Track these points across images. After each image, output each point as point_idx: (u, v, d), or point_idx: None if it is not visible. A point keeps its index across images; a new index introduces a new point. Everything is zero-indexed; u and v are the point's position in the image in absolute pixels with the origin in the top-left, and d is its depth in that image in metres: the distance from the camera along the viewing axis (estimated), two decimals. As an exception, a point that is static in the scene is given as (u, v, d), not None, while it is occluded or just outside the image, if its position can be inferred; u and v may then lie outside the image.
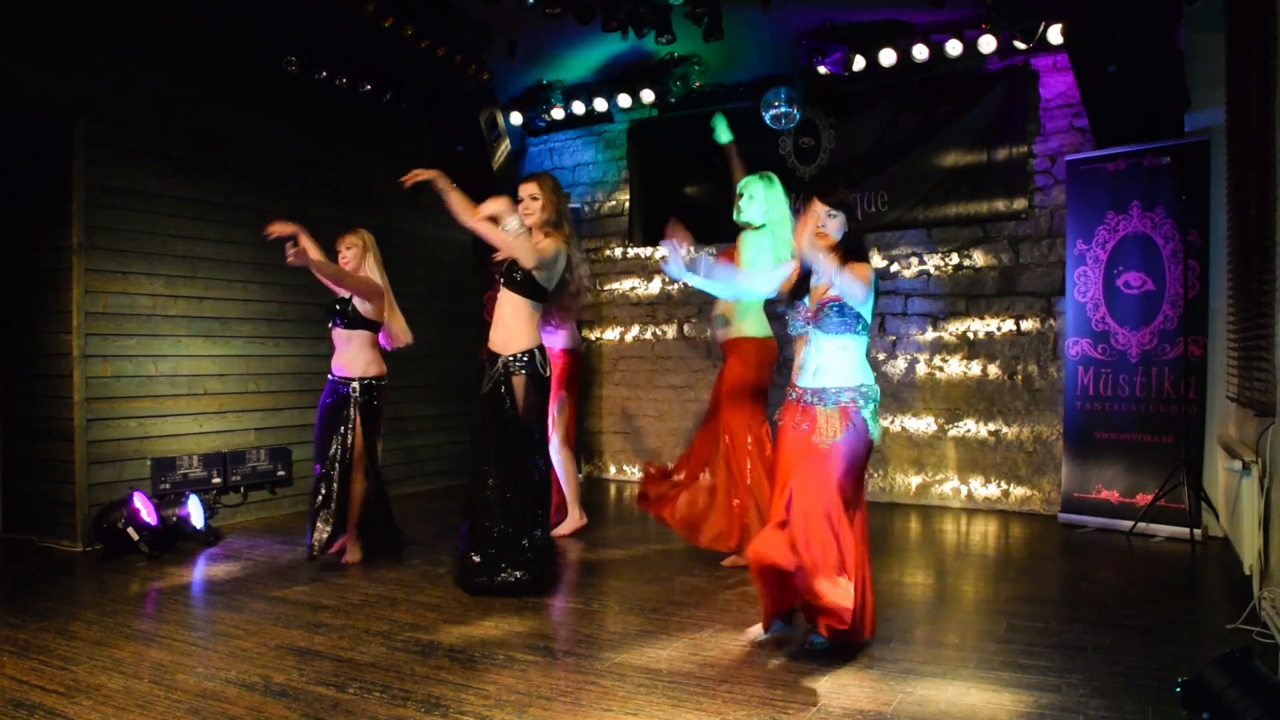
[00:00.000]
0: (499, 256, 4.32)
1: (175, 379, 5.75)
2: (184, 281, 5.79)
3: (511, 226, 4.11)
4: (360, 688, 3.12)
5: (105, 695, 3.05)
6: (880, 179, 6.63)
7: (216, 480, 5.88)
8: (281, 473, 6.30)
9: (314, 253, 4.83)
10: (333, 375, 4.91)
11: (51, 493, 5.37)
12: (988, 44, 5.82)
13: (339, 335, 4.92)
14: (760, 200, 4.69)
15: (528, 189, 4.35)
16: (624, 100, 7.23)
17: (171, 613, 4.10)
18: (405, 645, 3.56)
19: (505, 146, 7.43)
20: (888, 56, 6.11)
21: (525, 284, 4.25)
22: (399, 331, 5.03)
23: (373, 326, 4.92)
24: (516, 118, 7.63)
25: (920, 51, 6.03)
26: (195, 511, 5.38)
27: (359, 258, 4.91)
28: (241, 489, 6.08)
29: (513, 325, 4.28)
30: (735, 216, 4.78)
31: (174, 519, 5.24)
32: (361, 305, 4.85)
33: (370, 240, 4.99)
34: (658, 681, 3.17)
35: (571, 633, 3.71)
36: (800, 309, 3.44)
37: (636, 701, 3.00)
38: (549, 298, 4.40)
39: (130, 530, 5.00)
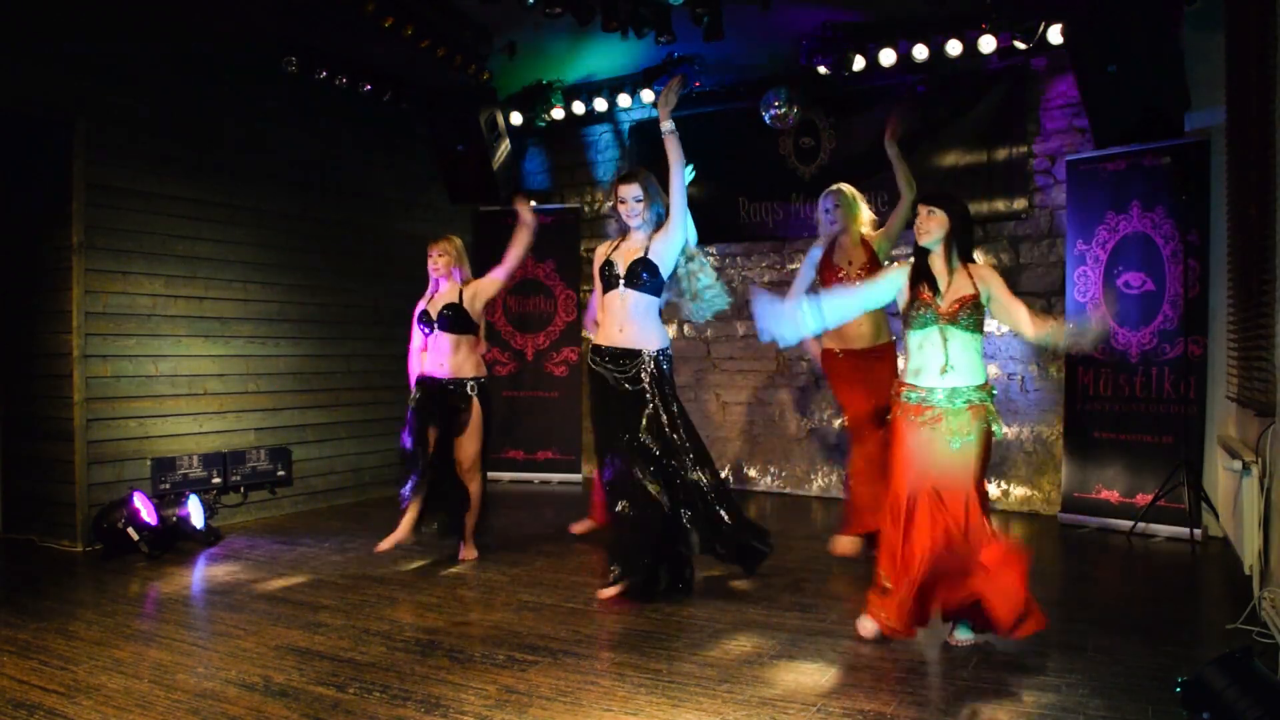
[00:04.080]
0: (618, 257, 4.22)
1: (175, 379, 5.75)
2: (184, 281, 5.79)
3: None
4: (360, 688, 3.12)
5: (105, 695, 3.05)
6: (880, 179, 6.58)
7: (216, 480, 5.88)
8: (281, 473, 6.30)
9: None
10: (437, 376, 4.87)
11: (51, 493, 5.37)
12: (988, 44, 5.81)
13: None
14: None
15: (630, 190, 4.16)
16: (624, 100, 7.23)
17: (171, 613, 4.11)
18: (405, 645, 3.56)
19: (505, 146, 7.42)
20: (888, 56, 6.10)
21: (653, 284, 4.18)
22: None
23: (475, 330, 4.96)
24: (516, 118, 7.62)
25: (920, 51, 6.03)
26: (195, 511, 5.38)
27: (450, 266, 4.91)
28: (241, 489, 6.08)
29: (646, 322, 4.21)
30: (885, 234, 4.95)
31: (174, 519, 5.24)
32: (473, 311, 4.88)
33: (460, 247, 4.99)
34: (658, 681, 3.17)
35: (572, 633, 3.71)
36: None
37: (636, 701, 3.00)
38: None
39: (130, 530, 5.00)
